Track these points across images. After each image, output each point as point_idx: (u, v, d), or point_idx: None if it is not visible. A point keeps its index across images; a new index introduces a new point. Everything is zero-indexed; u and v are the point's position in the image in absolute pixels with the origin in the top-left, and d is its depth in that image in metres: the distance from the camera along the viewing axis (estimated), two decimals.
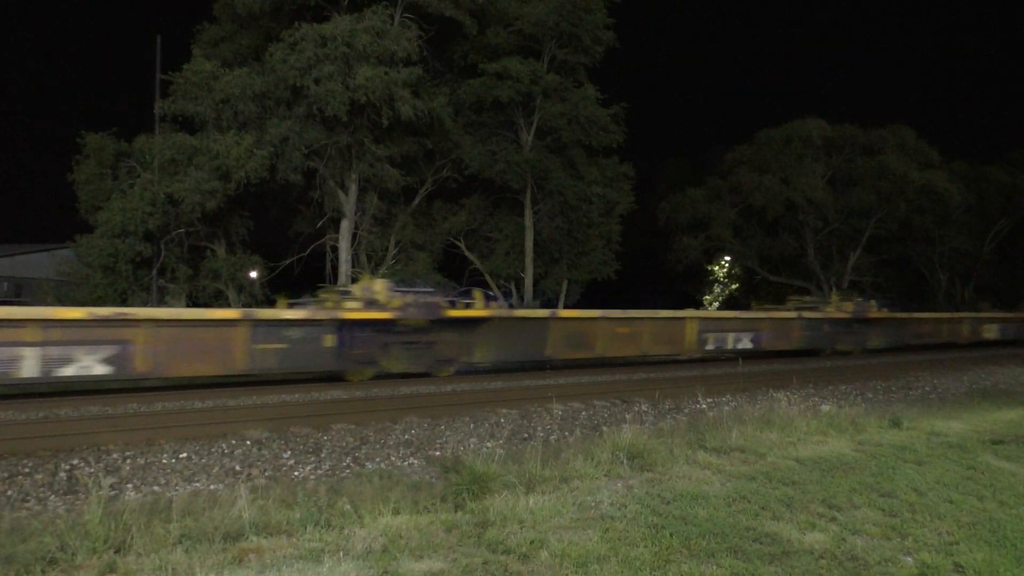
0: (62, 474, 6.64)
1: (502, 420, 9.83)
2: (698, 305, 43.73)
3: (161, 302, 20.69)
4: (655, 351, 18.18)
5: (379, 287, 13.89)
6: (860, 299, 24.68)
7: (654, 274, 42.02)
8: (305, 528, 4.66)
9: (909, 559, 4.51)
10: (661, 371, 16.92)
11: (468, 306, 14.73)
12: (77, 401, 10.54)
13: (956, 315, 29.75)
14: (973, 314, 31.26)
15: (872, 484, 6.21)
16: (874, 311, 24.03)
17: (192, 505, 5.11)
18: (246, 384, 12.94)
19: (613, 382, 14.10)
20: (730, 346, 19.80)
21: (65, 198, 23.18)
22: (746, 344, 20.09)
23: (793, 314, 21.76)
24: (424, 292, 14.69)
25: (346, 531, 4.66)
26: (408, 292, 14.38)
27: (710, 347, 19.23)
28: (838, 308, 23.08)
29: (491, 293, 22.03)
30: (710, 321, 19.64)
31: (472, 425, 9.40)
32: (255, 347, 12.09)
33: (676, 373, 16.42)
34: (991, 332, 31.02)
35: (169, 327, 11.44)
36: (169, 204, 19.81)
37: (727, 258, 41.74)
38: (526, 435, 8.92)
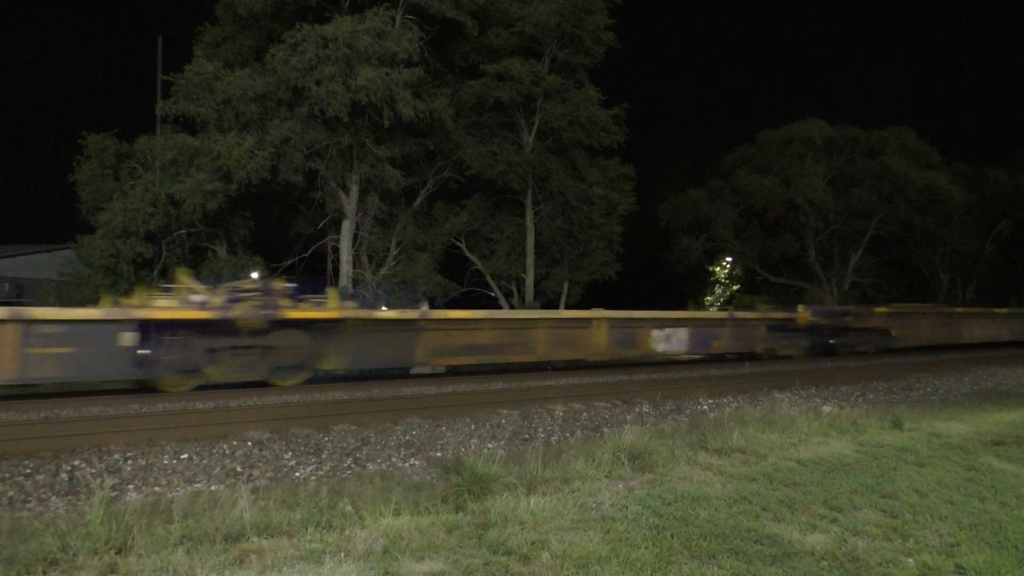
0: (63, 475, 6.65)
1: (503, 421, 9.83)
2: (698, 306, 43.41)
3: None
4: None
5: None
6: (260, 280, 12.83)
7: (655, 275, 42.00)
8: (306, 529, 4.66)
9: (910, 560, 4.50)
10: (663, 372, 16.93)
11: None
12: (78, 402, 10.55)
13: (568, 316, 17.49)
14: (613, 313, 17.25)
15: (873, 485, 6.20)
16: (335, 308, 13.16)
17: (193, 506, 5.11)
18: (246, 384, 12.93)
19: (615, 383, 14.10)
20: None
21: (66, 199, 23.21)
22: None
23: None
24: None
25: (347, 532, 4.67)
26: None
27: None
28: (172, 300, 11.87)
29: None
30: None
31: (473, 426, 9.40)
32: None
33: (678, 374, 16.43)
34: (675, 342, 18.39)
35: None
36: (170, 205, 19.86)
37: (728, 259, 41.76)
38: (527, 436, 8.92)
